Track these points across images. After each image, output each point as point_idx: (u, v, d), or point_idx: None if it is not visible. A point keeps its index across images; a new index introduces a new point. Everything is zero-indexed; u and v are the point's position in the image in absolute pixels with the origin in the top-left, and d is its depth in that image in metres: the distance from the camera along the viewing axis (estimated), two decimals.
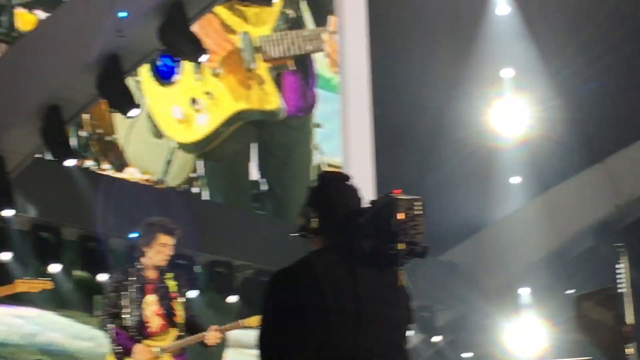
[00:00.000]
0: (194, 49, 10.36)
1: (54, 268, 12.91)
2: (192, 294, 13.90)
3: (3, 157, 11.54)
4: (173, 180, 15.93)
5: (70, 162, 11.37)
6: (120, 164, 15.17)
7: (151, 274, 7.76)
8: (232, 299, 14.73)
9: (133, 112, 10.97)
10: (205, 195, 16.13)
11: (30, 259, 13.18)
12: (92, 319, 14.81)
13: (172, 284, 7.79)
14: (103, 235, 13.22)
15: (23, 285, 6.71)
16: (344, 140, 17.68)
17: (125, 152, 15.26)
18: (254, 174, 17.20)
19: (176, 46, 10.35)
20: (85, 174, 13.04)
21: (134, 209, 12.21)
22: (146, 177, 15.46)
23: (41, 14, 14.11)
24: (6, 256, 12.48)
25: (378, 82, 17.10)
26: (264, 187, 17.16)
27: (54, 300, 14.10)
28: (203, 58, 10.58)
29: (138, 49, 10.85)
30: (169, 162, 15.91)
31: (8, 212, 11.64)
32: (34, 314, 14.68)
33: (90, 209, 12.82)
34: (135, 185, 14.55)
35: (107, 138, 15.01)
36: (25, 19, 14.59)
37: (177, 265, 12.37)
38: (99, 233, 13.21)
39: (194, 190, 16.14)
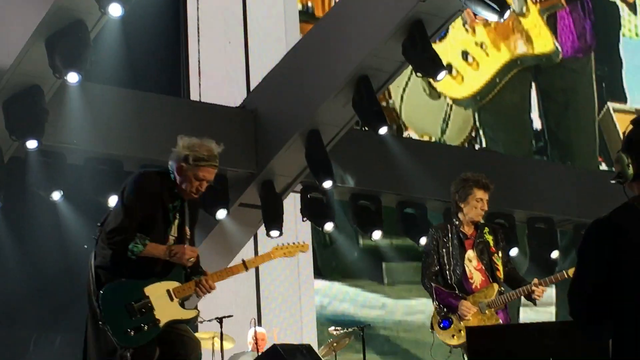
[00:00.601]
0: (500, 6, 10.19)
1: (376, 235, 13.16)
2: (513, 251, 13.85)
3: (319, 131, 11.86)
4: (452, 139, 15.77)
5: (383, 130, 11.52)
6: (397, 128, 15.22)
7: (469, 230, 7.70)
8: (555, 254, 14.47)
9: (442, 75, 10.99)
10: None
11: (352, 228, 13.52)
12: (381, 287, 14.94)
13: (490, 239, 7.71)
14: (421, 199, 13.34)
15: (279, 251, 6.69)
16: None
17: (401, 116, 15.28)
18: (535, 122, 16.78)
19: (481, 4, 10.21)
20: (398, 141, 13.18)
21: (445, 171, 12.24)
22: (424, 139, 15.44)
23: None
24: (329, 227, 12.84)
25: None
26: (546, 134, 16.72)
27: (343, 270, 14.36)
28: (508, 14, 10.40)
29: (441, 12, 10.84)
30: (446, 121, 15.78)
31: (327, 184, 11.97)
32: (323, 286, 15.02)
33: (406, 175, 12.97)
34: (441, 146, 14.53)
35: (382, 104, 15.12)
36: None
37: (497, 223, 12.38)
38: (417, 197, 13.35)
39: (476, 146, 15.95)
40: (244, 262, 6.42)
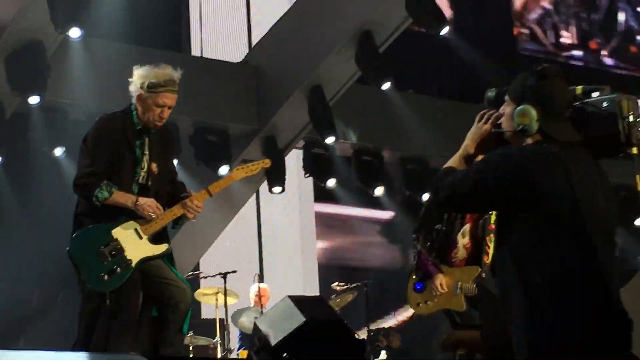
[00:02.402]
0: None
1: (378, 191, 13.14)
2: None
3: (322, 86, 11.82)
4: None
5: (386, 85, 11.48)
6: None
7: None
8: None
9: (444, 30, 10.93)
10: None
11: (354, 184, 13.49)
12: None
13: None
14: (424, 155, 13.30)
15: (240, 171, 6.56)
16: None
17: None
18: None
19: None
20: (400, 96, 13.12)
21: (449, 127, 12.21)
22: None
23: None
24: (331, 182, 12.83)
25: None
26: None
27: None
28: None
29: None
30: None
31: (330, 140, 11.95)
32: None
33: (409, 130, 12.94)
34: (446, 101, 14.40)
35: None
36: None
37: None
38: (420, 154, 13.31)
39: None
40: (207, 189, 6.30)
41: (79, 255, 5.91)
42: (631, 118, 3.97)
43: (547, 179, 3.87)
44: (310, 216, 15.18)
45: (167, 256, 6.12)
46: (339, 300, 10.73)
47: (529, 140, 3.99)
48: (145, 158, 6.10)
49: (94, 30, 10.58)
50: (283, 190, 12.48)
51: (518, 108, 3.97)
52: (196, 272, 11.27)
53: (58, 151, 10.97)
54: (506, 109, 4.07)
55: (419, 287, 7.25)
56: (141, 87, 6.06)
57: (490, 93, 4.20)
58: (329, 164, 12.80)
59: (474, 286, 6.96)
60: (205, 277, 10.96)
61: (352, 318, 10.81)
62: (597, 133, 4.03)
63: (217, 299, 10.50)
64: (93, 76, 10.87)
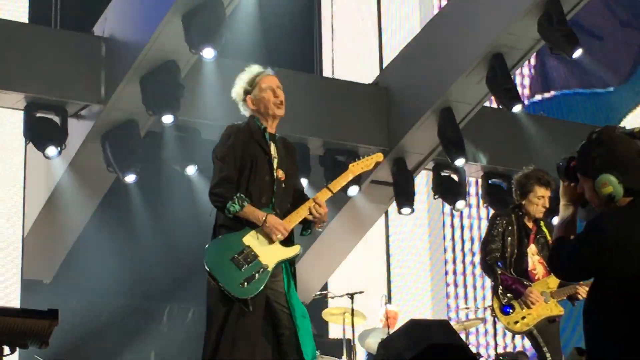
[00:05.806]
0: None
1: None
2: None
3: (452, 108, 11.79)
4: None
5: (517, 108, 11.41)
6: None
7: (529, 223, 7.61)
8: None
9: (577, 53, 10.81)
10: None
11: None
12: None
13: (547, 232, 7.57)
14: (554, 179, 13.12)
15: (356, 167, 6.49)
16: None
17: None
18: None
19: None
20: (531, 119, 13.00)
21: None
22: None
23: None
24: (460, 204, 12.76)
25: None
26: None
27: None
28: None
29: None
30: None
31: (460, 162, 11.89)
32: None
33: (540, 153, 12.79)
34: (577, 125, 14.22)
35: None
36: None
37: None
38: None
39: None
40: (327, 187, 6.27)
41: (215, 265, 5.94)
42: None
43: None
44: (439, 238, 15.11)
45: (293, 279, 6.15)
46: (466, 323, 10.65)
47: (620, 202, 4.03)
48: (276, 160, 6.11)
49: (227, 50, 10.74)
50: (412, 211, 12.46)
51: (597, 180, 4.02)
52: (324, 292, 11.31)
53: (190, 169, 11.16)
54: (584, 185, 4.12)
55: (507, 310, 7.51)
56: (245, 92, 6.15)
57: (561, 163, 4.24)
58: (458, 186, 12.73)
59: (562, 290, 7.47)
60: (333, 297, 10.99)
61: (481, 341, 10.73)
62: None
63: (344, 319, 10.51)
64: (225, 96, 11.01)
